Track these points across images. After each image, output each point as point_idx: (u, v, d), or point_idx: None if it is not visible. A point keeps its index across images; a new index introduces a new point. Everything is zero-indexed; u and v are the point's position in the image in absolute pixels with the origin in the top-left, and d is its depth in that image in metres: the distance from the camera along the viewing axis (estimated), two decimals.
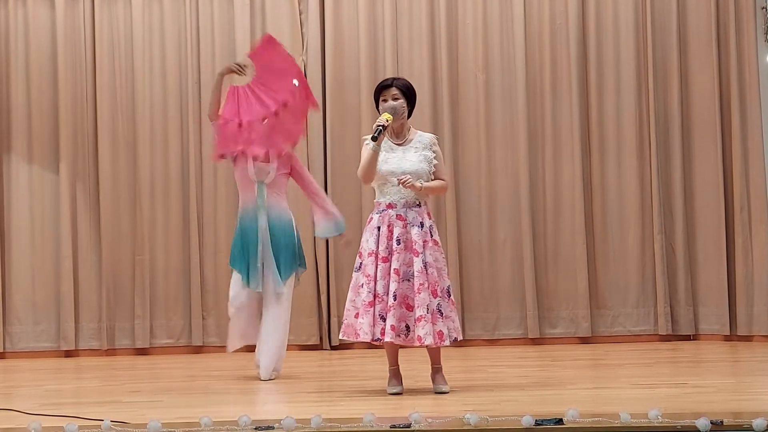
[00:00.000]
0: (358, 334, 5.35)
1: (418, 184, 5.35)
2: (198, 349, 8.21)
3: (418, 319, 5.30)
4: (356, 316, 5.39)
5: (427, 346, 5.37)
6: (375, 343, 5.39)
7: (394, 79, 5.57)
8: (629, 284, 8.18)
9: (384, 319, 5.30)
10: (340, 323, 8.08)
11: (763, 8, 7.91)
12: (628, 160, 8.20)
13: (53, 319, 8.19)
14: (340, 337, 5.61)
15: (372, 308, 5.32)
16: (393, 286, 5.30)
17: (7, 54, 8.31)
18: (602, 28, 8.28)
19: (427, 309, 5.30)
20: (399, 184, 5.35)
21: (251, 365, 6.58)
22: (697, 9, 8.15)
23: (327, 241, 8.14)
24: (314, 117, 8.25)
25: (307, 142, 8.23)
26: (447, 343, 5.39)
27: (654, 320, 8.13)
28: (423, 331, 5.29)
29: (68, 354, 8.17)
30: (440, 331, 5.35)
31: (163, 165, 8.29)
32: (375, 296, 5.33)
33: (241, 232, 6.36)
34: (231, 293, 6.40)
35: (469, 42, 8.30)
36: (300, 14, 8.33)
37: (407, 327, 5.34)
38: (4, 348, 8.16)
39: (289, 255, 6.32)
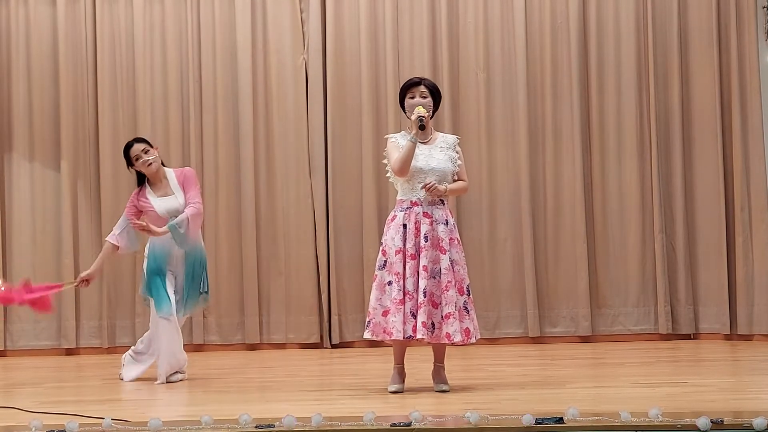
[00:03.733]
0: (391, 333, 5.31)
1: (441, 187, 5.39)
2: (198, 348, 8.21)
3: (446, 317, 5.32)
4: (384, 314, 5.38)
5: (455, 344, 5.38)
6: (406, 340, 5.37)
7: (422, 78, 5.63)
8: (630, 283, 8.19)
9: (415, 317, 5.31)
10: (340, 321, 8.15)
11: (764, 8, 7.92)
12: (628, 159, 8.20)
13: (54, 317, 8.19)
14: (367, 336, 5.48)
15: (403, 306, 5.32)
16: (422, 284, 5.31)
17: (8, 52, 8.32)
18: (603, 27, 8.28)
19: (455, 306, 5.33)
20: (423, 188, 5.38)
21: (252, 364, 6.58)
22: (698, 8, 8.15)
23: (327, 240, 8.16)
24: (315, 116, 8.27)
25: (308, 142, 8.24)
26: (473, 340, 5.42)
27: (654, 319, 8.14)
28: (452, 329, 5.31)
29: (69, 352, 8.19)
30: (467, 328, 5.39)
31: (164, 163, 8.27)
32: (405, 293, 5.34)
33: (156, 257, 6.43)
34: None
35: (469, 41, 8.31)
36: (301, 13, 8.33)
37: (433, 324, 5.35)
38: (5, 346, 8.17)
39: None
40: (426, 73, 8.03)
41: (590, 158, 8.26)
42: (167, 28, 8.33)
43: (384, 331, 5.38)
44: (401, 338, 5.31)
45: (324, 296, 8.19)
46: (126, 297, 8.23)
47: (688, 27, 8.19)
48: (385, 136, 5.70)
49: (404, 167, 5.40)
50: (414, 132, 5.39)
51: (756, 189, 7.91)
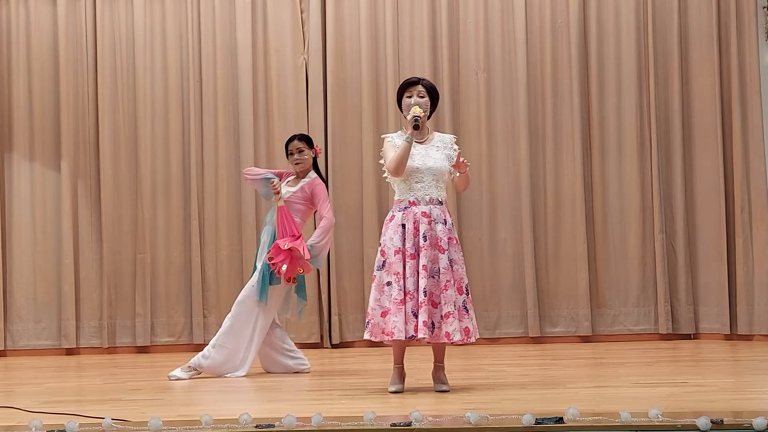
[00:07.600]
0: (391, 333, 5.28)
1: (464, 161, 5.42)
2: (199, 347, 8.17)
3: (446, 316, 5.31)
4: (383, 315, 5.37)
5: (454, 343, 5.37)
6: (408, 340, 5.36)
7: (420, 78, 5.63)
8: (630, 283, 8.19)
9: (416, 316, 5.30)
10: (340, 321, 8.15)
11: (764, 8, 7.92)
12: (628, 159, 8.21)
13: (54, 317, 8.21)
14: (367, 338, 5.44)
15: (404, 306, 5.31)
16: (422, 283, 5.30)
17: (8, 52, 8.33)
18: (603, 27, 8.29)
19: (454, 306, 5.32)
20: (456, 166, 5.40)
21: (252, 363, 6.57)
22: (698, 9, 8.16)
23: None
24: (315, 116, 8.27)
25: None
26: (473, 339, 5.41)
27: (654, 319, 8.14)
28: (451, 328, 5.30)
29: (69, 352, 8.19)
30: (466, 327, 5.37)
31: (164, 163, 8.30)
32: (406, 293, 5.34)
33: None
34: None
35: (470, 41, 8.32)
36: (301, 13, 8.34)
37: (433, 324, 5.34)
38: (5, 346, 8.17)
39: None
40: (426, 73, 8.05)
41: (590, 158, 8.27)
42: (167, 28, 8.34)
43: (383, 332, 5.36)
44: (403, 338, 5.29)
45: (324, 296, 8.19)
46: (126, 296, 8.23)
47: (688, 27, 8.20)
48: (382, 136, 5.71)
49: (399, 167, 5.40)
50: (409, 132, 5.39)
51: (756, 189, 7.91)
